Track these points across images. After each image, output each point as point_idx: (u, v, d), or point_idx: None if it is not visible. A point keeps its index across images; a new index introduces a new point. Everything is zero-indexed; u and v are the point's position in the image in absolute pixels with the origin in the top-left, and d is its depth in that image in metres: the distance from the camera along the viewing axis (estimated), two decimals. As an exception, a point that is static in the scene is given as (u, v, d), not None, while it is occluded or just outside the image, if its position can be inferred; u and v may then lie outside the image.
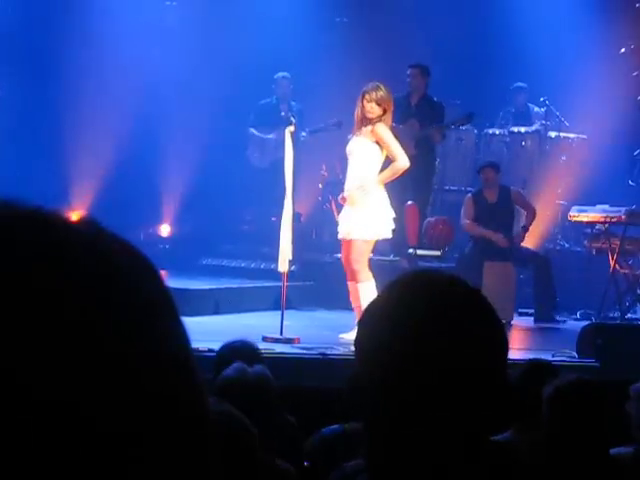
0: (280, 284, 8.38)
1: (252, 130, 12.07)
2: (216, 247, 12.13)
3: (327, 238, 12.32)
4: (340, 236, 8.36)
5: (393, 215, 8.26)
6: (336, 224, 12.33)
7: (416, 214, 11.12)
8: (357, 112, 8.24)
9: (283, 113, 11.46)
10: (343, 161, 12.28)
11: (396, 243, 11.37)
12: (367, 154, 8.19)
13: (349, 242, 8.22)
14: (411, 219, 11.12)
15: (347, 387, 4.48)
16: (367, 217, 8.14)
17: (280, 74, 11.92)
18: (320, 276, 10.81)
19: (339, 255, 11.37)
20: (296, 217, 9.17)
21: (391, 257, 11.23)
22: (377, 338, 1.59)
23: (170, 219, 12.70)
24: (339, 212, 12.38)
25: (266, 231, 10.94)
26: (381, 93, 8.13)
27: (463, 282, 1.64)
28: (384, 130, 8.17)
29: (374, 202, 8.17)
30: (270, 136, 11.88)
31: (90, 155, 12.07)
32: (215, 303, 9.85)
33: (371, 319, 1.62)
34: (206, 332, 8.07)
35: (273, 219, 8.79)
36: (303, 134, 11.36)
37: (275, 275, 8.72)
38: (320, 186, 12.48)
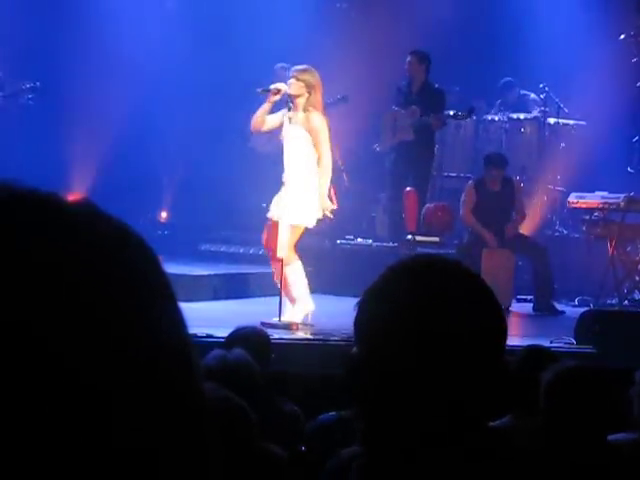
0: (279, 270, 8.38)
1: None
2: (215, 233, 12.13)
3: (326, 225, 12.32)
4: (270, 215, 8.32)
5: (324, 204, 8.25)
6: (335, 211, 12.38)
7: (415, 200, 11.13)
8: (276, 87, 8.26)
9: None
10: (343, 149, 12.30)
11: (395, 229, 11.39)
12: (301, 141, 8.16)
13: (278, 225, 8.20)
14: (410, 205, 11.13)
15: (344, 369, 4.49)
16: (303, 203, 8.15)
17: (279, 65, 11.88)
18: (319, 262, 10.80)
19: (337, 241, 11.40)
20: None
21: (390, 243, 11.25)
22: (376, 320, 1.59)
23: (169, 205, 12.70)
24: (338, 199, 12.42)
25: (265, 216, 10.92)
26: (302, 72, 8.14)
27: (463, 267, 1.65)
28: (319, 121, 8.17)
29: (309, 189, 8.16)
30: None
31: (89, 140, 12.06)
32: (214, 289, 9.86)
33: (371, 301, 1.62)
34: (205, 318, 8.08)
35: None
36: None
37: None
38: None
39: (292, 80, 8.14)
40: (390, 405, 1.57)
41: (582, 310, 8.82)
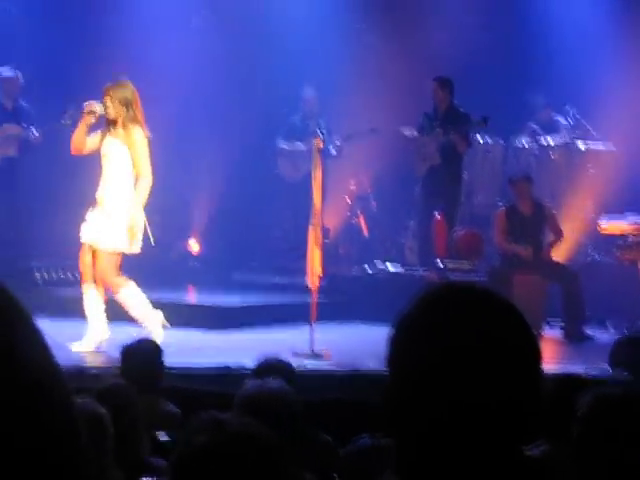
0: (310, 299, 8.39)
1: (282, 144, 12.09)
2: (246, 262, 12.15)
3: (356, 252, 12.33)
4: (84, 240, 7.95)
5: (141, 227, 8.01)
6: (364, 238, 12.42)
7: (444, 226, 11.12)
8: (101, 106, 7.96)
9: (312, 128, 11.49)
10: (372, 176, 12.31)
11: (424, 255, 11.38)
12: (121, 157, 7.93)
13: (96, 251, 7.93)
14: (439, 231, 11.12)
15: (379, 400, 4.48)
16: (118, 226, 7.88)
17: (307, 90, 11.95)
18: (349, 291, 10.80)
19: (367, 269, 11.40)
20: (325, 232, 9.19)
21: (419, 269, 11.23)
22: (409, 350, 1.59)
23: (200, 234, 12.73)
24: (367, 227, 12.44)
25: (296, 246, 10.96)
26: (115, 89, 7.87)
27: (496, 294, 1.64)
28: (139, 136, 7.94)
29: (124, 210, 7.90)
30: (301, 147, 11.90)
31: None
32: (245, 318, 9.86)
33: (402, 330, 1.62)
34: (236, 348, 8.10)
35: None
36: (336, 143, 11.38)
37: (305, 290, 8.72)
38: (349, 201, 12.49)
39: (107, 100, 7.83)
40: (424, 435, 1.56)
41: (615, 336, 8.75)
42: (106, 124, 7.90)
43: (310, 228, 8.35)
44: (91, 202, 7.98)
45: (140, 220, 7.94)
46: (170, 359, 5.89)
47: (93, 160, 8.20)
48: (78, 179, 9.56)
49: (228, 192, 12.35)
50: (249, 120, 12.27)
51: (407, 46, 12.31)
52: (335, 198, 11.79)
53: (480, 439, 1.54)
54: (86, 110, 7.83)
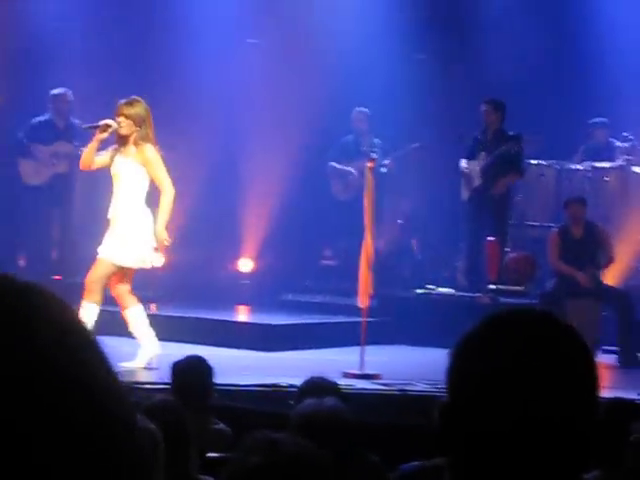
0: (360, 319, 8.37)
1: (333, 164, 12.11)
2: (297, 282, 12.15)
3: (407, 273, 12.29)
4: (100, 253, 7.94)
5: (153, 246, 7.95)
6: (416, 259, 12.39)
7: (497, 249, 11.06)
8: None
9: (364, 148, 11.51)
10: (425, 197, 12.28)
11: (476, 278, 11.32)
12: (136, 175, 7.87)
13: (97, 260, 7.89)
14: (492, 254, 11.06)
15: (429, 422, 4.45)
16: (128, 242, 7.85)
17: (358, 109, 11.96)
18: (400, 311, 10.77)
19: (418, 290, 11.36)
20: (376, 252, 9.17)
21: (471, 293, 11.17)
22: (469, 371, 1.58)
23: (252, 254, 12.76)
24: (420, 248, 12.40)
25: (347, 266, 10.95)
26: (129, 107, 7.80)
27: (557, 319, 1.63)
28: (152, 153, 7.90)
29: (137, 227, 7.88)
30: (351, 170, 11.91)
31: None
32: (296, 339, 9.86)
33: (464, 351, 1.60)
34: (287, 367, 8.09)
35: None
36: (386, 162, 11.38)
37: (355, 310, 8.71)
38: (400, 221, 12.47)
39: (121, 119, 7.78)
40: (480, 458, 1.55)
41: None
42: (117, 142, 7.88)
43: (362, 248, 8.34)
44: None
45: (160, 235, 7.91)
46: (220, 377, 5.90)
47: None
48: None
49: (280, 212, 12.38)
50: (302, 140, 12.30)
51: (461, 66, 12.29)
52: (387, 218, 11.77)
53: (539, 462, 1.53)
54: (102, 126, 7.81)
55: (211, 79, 12.16)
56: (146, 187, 7.90)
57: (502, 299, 10.61)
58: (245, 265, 12.69)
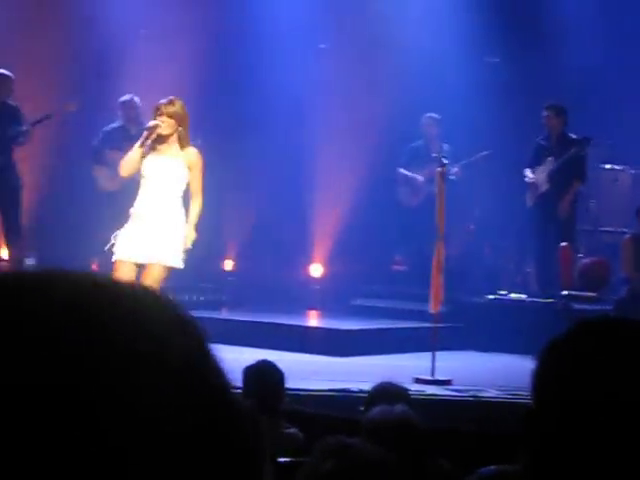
0: (431, 325, 8.34)
1: (402, 170, 12.08)
2: (367, 288, 12.15)
3: (478, 279, 12.22)
4: (140, 260, 7.66)
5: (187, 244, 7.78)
6: (487, 265, 12.31)
7: (570, 255, 10.95)
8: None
9: (434, 154, 11.47)
10: (496, 202, 12.18)
11: (547, 284, 11.22)
12: (179, 177, 7.74)
13: (149, 266, 7.66)
14: (565, 260, 10.95)
15: (517, 425, 4.41)
16: (178, 242, 7.70)
17: (428, 115, 11.92)
18: (471, 317, 10.71)
19: (490, 296, 11.28)
20: (447, 258, 9.13)
21: (544, 299, 11.07)
22: (557, 378, 1.55)
23: (322, 259, 12.79)
24: (491, 253, 12.31)
25: (417, 272, 10.92)
26: (171, 107, 7.67)
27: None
28: (199, 158, 7.80)
29: (179, 226, 7.75)
30: (418, 177, 11.88)
31: (243, 199, 12.28)
32: (366, 344, 9.85)
33: (551, 357, 1.58)
34: (357, 373, 8.09)
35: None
36: (455, 170, 11.33)
37: (426, 316, 8.68)
38: (471, 227, 12.41)
39: (163, 118, 7.65)
40: (565, 465, 1.53)
41: None
42: (153, 142, 7.75)
43: (433, 253, 8.31)
44: (131, 218, 7.77)
45: (191, 236, 7.80)
46: (290, 382, 5.91)
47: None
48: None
49: (351, 217, 12.38)
50: (373, 145, 12.29)
51: (531, 70, 12.19)
52: (458, 224, 11.72)
53: (625, 473, 1.50)
54: (150, 127, 7.71)
55: (282, 84, 12.20)
56: (184, 188, 7.84)
57: (575, 305, 10.51)
58: (316, 270, 12.72)
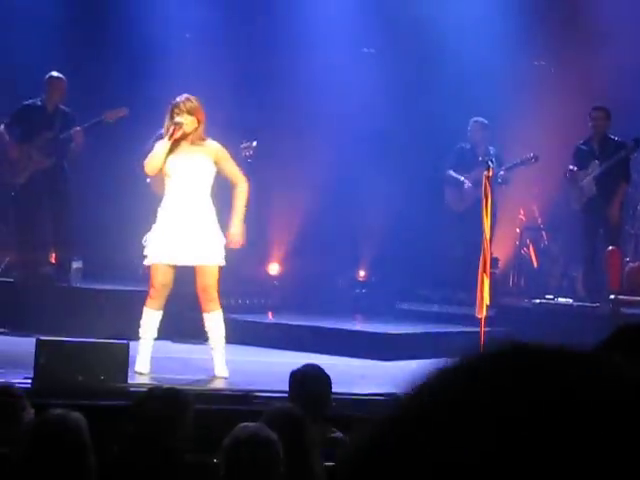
0: (477, 329, 8.30)
1: (450, 172, 12.03)
2: (413, 292, 12.12)
3: (524, 283, 12.16)
4: (189, 263, 7.59)
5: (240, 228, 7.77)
6: (534, 269, 12.24)
7: (618, 259, 10.86)
8: (167, 126, 7.73)
9: (481, 157, 11.43)
10: (542, 206, 12.10)
11: (592, 288, 11.14)
12: (207, 172, 7.68)
13: (202, 269, 7.58)
14: (613, 264, 10.86)
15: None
16: (219, 238, 7.64)
17: (475, 119, 11.87)
18: (518, 322, 10.64)
19: (537, 301, 11.21)
20: (494, 262, 9.09)
21: (591, 303, 10.99)
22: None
23: (367, 264, 12.77)
24: (537, 257, 12.25)
25: (463, 276, 10.87)
26: (191, 104, 7.66)
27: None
28: (221, 147, 7.76)
29: (215, 223, 7.68)
30: (468, 183, 11.82)
31: (288, 203, 12.29)
32: (413, 348, 9.82)
33: None
34: (402, 376, 8.06)
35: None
36: (501, 173, 11.29)
37: (473, 320, 8.64)
38: (518, 230, 12.34)
39: (184, 116, 7.63)
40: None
41: None
42: (175, 140, 7.72)
43: (480, 258, 8.27)
44: (160, 218, 7.71)
45: (238, 232, 7.79)
46: (337, 386, 5.90)
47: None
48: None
49: (397, 221, 12.36)
50: (418, 150, 12.27)
51: (577, 73, 12.10)
52: (504, 228, 11.66)
53: None
54: (177, 125, 7.67)
55: (328, 88, 12.21)
56: (212, 183, 7.77)
57: (623, 309, 10.41)
58: (362, 274, 12.71)
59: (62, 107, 10.73)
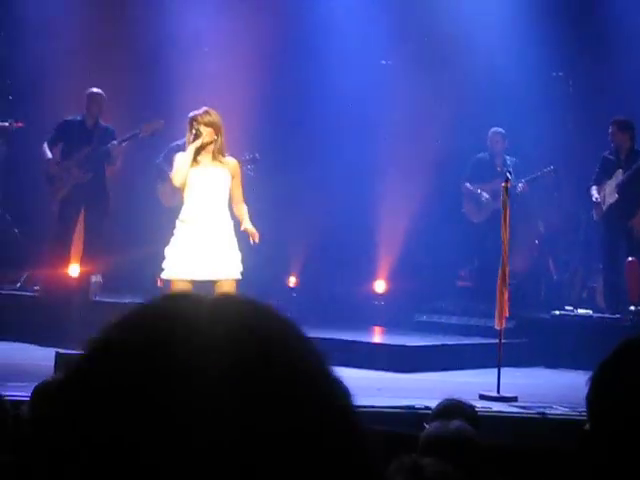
0: (496, 341, 8.28)
1: (466, 185, 12.03)
2: (432, 303, 12.10)
3: (544, 294, 12.12)
4: (207, 277, 7.56)
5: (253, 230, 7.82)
6: (553, 280, 12.20)
7: (637, 270, 10.81)
8: (188, 138, 7.76)
9: (499, 168, 11.42)
10: (560, 217, 12.06)
11: (614, 300, 11.09)
12: (226, 185, 7.71)
13: (220, 283, 7.56)
14: (633, 275, 10.81)
15: (572, 446, 4.37)
16: (237, 253, 7.65)
17: (494, 129, 11.86)
18: (537, 333, 10.62)
19: (556, 312, 11.16)
20: (512, 273, 9.06)
21: (611, 314, 10.94)
22: (611, 398, 1.53)
23: (385, 275, 12.76)
24: (556, 268, 12.21)
25: (481, 287, 10.85)
26: (209, 117, 7.68)
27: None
28: (237, 164, 7.83)
29: (233, 237, 7.71)
30: (484, 193, 11.80)
31: (304, 215, 12.29)
32: (431, 360, 9.81)
33: (605, 377, 1.56)
34: (422, 389, 8.04)
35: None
36: (520, 185, 11.27)
37: (491, 332, 8.61)
38: (536, 242, 12.31)
39: (201, 127, 7.66)
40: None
41: None
42: (195, 153, 7.76)
43: (498, 269, 8.24)
44: (179, 231, 7.73)
45: (254, 232, 7.85)
46: (355, 398, 5.89)
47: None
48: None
49: (415, 232, 12.35)
50: (437, 161, 12.27)
51: (597, 84, 12.08)
52: (523, 239, 11.63)
53: None
54: (196, 134, 7.69)
55: (345, 101, 12.23)
56: (228, 197, 7.82)
57: (643, 321, 10.37)
58: (380, 286, 12.69)
59: (101, 122, 10.86)
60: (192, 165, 7.72)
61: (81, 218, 10.89)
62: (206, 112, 7.78)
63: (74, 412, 0.76)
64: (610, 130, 11.04)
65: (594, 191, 11.10)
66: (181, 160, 7.76)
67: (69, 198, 10.80)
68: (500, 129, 11.82)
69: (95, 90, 10.81)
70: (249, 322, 0.80)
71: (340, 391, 0.86)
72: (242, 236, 7.91)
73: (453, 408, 4.77)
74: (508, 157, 11.72)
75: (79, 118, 10.88)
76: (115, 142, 10.71)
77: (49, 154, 10.87)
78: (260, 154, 11.00)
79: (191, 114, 7.82)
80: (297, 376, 0.78)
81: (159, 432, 0.74)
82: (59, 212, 10.91)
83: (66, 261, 10.94)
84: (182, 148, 11.24)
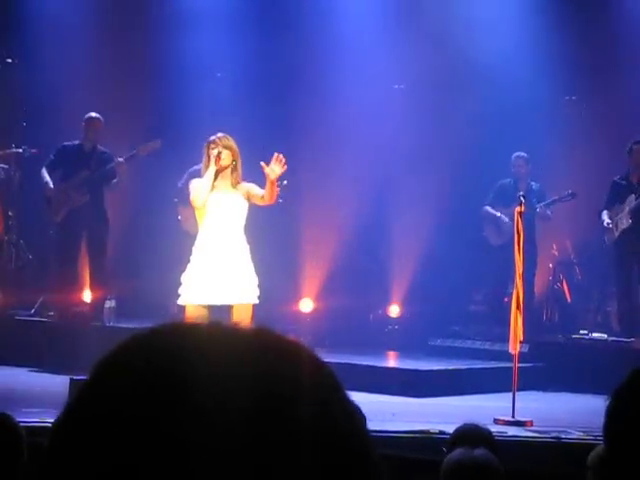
0: (511, 365, 8.25)
1: (487, 208, 11.99)
2: (445, 328, 12.08)
3: (559, 318, 12.08)
4: (224, 302, 7.56)
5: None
6: (567, 304, 12.16)
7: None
8: (204, 162, 7.77)
9: (520, 195, 11.40)
10: (576, 241, 12.04)
11: (627, 322, 11.05)
12: (243, 210, 7.71)
13: (239, 307, 7.54)
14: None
15: (591, 468, 4.34)
16: (253, 277, 7.64)
17: (516, 154, 11.84)
18: (552, 357, 10.58)
19: (571, 336, 11.12)
20: (527, 297, 9.03)
21: (625, 338, 10.90)
22: (627, 422, 1.53)
23: (399, 300, 12.74)
24: (571, 292, 12.17)
25: (496, 312, 10.83)
26: (227, 141, 7.71)
27: None
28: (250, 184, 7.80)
29: (248, 261, 7.70)
30: (503, 217, 11.77)
31: (319, 239, 12.29)
32: (445, 384, 9.78)
33: (620, 401, 1.55)
34: (437, 414, 8.02)
35: (505, 300, 8.59)
36: (538, 209, 11.26)
37: (506, 356, 8.59)
38: (551, 265, 12.29)
39: (220, 149, 7.68)
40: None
41: None
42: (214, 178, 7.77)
43: (513, 293, 8.23)
44: (196, 257, 7.72)
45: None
46: (369, 423, 5.87)
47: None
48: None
49: (429, 256, 12.33)
50: (451, 185, 12.25)
51: (609, 107, 12.07)
52: (539, 263, 11.60)
53: None
54: (217, 155, 7.70)
55: (359, 126, 12.24)
56: (244, 223, 7.82)
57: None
58: (394, 310, 12.68)
59: (99, 147, 10.89)
60: (211, 190, 7.72)
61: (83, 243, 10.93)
62: (224, 136, 7.83)
63: (76, 442, 0.76)
64: (636, 148, 10.96)
65: (605, 216, 11.07)
66: (202, 182, 7.74)
67: (68, 222, 10.83)
68: (523, 153, 11.77)
69: (93, 115, 10.85)
70: (274, 363, 0.79)
71: (363, 444, 0.86)
72: (258, 261, 7.91)
73: (471, 433, 4.76)
74: (533, 183, 11.68)
75: (77, 143, 10.93)
76: (120, 159, 10.74)
77: (47, 177, 10.90)
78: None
79: (210, 138, 7.85)
80: (323, 422, 0.78)
81: (169, 465, 0.73)
82: (59, 237, 10.96)
83: (77, 286, 10.96)
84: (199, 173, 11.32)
